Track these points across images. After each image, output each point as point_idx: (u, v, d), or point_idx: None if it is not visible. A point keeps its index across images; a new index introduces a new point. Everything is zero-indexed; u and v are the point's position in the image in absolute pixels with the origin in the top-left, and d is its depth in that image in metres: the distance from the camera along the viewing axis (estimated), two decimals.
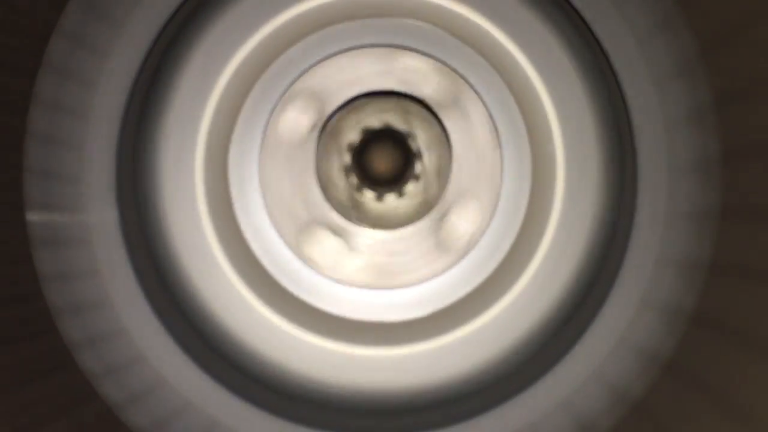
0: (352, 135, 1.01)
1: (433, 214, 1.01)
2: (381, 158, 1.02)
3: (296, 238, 1.01)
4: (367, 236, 1.01)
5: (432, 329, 1.01)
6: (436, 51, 1.00)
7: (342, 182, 1.02)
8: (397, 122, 1.01)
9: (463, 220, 1.01)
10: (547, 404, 0.98)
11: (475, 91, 1.00)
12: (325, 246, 1.01)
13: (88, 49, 0.96)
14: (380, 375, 1.00)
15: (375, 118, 1.01)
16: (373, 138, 1.01)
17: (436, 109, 1.00)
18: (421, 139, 1.01)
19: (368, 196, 1.02)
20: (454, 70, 1.00)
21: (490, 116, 1.00)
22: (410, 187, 1.02)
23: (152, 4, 0.98)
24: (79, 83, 0.96)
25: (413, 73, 1.00)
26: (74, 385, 0.94)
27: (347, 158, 1.01)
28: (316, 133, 1.01)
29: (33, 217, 0.96)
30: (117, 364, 0.97)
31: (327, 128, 1.01)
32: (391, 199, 1.02)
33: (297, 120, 1.00)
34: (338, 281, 1.01)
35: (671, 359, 0.91)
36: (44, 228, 0.96)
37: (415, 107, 1.01)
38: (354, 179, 1.01)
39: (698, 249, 0.92)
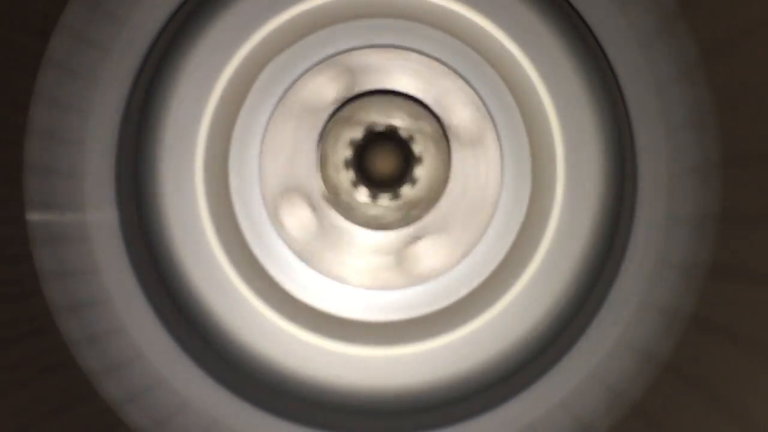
0: (355, 132, 1.01)
1: (433, 214, 1.01)
2: (380, 159, 1.02)
3: (296, 237, 1.01)
4: (367, 236, 1.01)
5: (431, 329, 1.01)
6: (436, 51, 1.00)
7: (343, 183, 1.02)
8: (397, 123, 1.01)
9: (462, 220, 1.01)
10: (545, 405, 0.98)
11: (476, 91, 1.00)
12: (324, 245, 1.01)
13: (89, 47, 0.96)
14: (380, 375, 1.00)
15: (375, 119, 1.01)
16: (372, 140, 1.02)
17: (435, 109, 1.00)
18: (420, 140, 1.01)
19: (365, 194, 1.01)
20: (454, 70, 1.00)
21: (491, 116, 1.00)
22: (407, 190, 1.02)
23: (153, 3, 0.97)
24: (79, 82, 0.96)
25: (413, 74, 1.00)
26: (73, 382, 0.94)
27: (348, 154, 1.01)
28: (316, 136, 1.01)
29: (33, 216, 0.95)
30: (116, 361, 0.97)
31: (327, 129, 1.01)
32: (387, 200, 1.02)
33: (297, 121, 1.00)
34: (338, 281, 1.01)
35: (670, 360, 0.92)
36: (44, 227, 0.96)
37: (414, 107, 1.01)
38: (353, 177, 1.01)
39: (699, 251, 0.92)
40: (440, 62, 1.00)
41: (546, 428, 0.97)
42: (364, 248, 1.01)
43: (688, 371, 0.87)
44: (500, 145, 1.00)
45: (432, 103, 1.01)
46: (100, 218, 0.98)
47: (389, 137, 1.02)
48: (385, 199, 1.02)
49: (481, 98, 1.00)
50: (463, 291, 1.00)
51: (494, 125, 1.00)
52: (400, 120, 1.01)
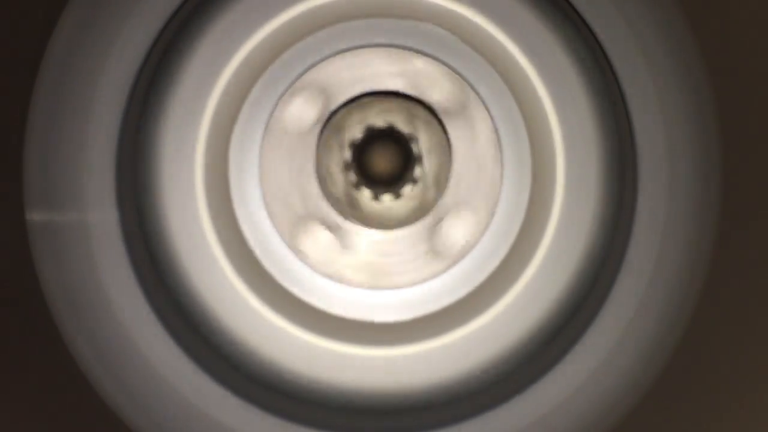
0: (354, 132, 1.01)
1: (433, 214, 1.01)
2: (381, 157, 1.02)
3: (296, 238, 1.01)
4: (367, 236, 1.01)
5: (431, 330, 1.01)
6: (437, 51, 1.00)
7: (342, 180, 1.02)
8: (399, 122, 1.01)
9: (462, 220, 1.01)
10: (542, 407, 0.98)
11: (476, 91, 1.00)
12: (324, 245, 1.01)
13: (89, 48, 0.96)
14: (379, 375, 1.00)
15: (377, 118, 1.01)
16: (374, 137, 1.02)
17: (436, 108, 1.00)
18: (422, 140, 1.01)
19: (365, 194, 1.01)
20: (455, 70, 1.00)
21: (491, 116, 1.00)
22: (408, 190, 1.01)
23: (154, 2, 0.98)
24: (79, 82, 0.96)
25: (414, 73, 1.01)
26: (71, 382, 0.94)
27: (347, 155, 1.01)
28: (317, 134, 1.01)
29: (33, 216, 0.95)
30: (115, 361, 0.97)
31: (328, 127, 1.01)
32: (388, 200, 1.02)
33: (298, 120, 1.01)
34: (338, 281, 1.01)
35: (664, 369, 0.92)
36: (44, 227, 0.96)
37: (414, 107, 1.01)
38: (352, 176, 1.01)
39: (698, 253, 0.92)
40: (441, 62, 1.00)
41: (549, 426, 0.97)
42: (365, 247, 1.01)
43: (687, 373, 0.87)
44: (500, 146, 1.00)
45: (430, 102, 1.01)
46: (100, 218, 0.98)
47: (389, 136, 1.02)
48: (388, 198, 1.02)
49: (481, 98, 1.00)
50: (463, 291, 1.00)
51: (495, 125, 1.00)
52: (398, 119, 1.01)
